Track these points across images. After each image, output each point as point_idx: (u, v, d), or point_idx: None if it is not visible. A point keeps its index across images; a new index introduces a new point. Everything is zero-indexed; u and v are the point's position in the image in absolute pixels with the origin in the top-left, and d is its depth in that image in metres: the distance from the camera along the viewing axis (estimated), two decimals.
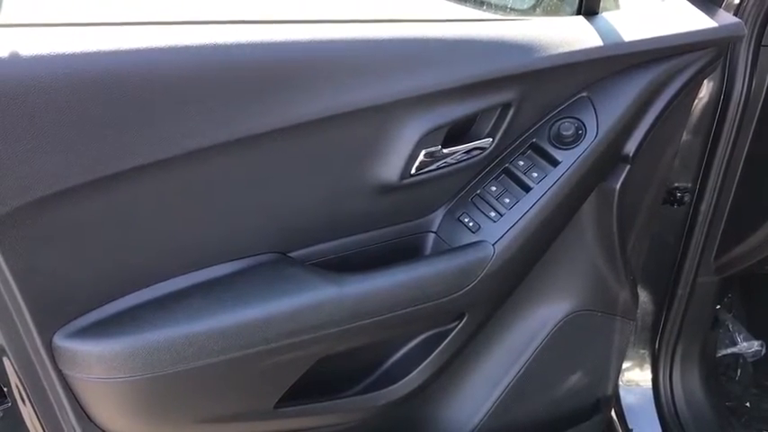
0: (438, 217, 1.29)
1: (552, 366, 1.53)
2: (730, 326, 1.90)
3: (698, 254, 1.71)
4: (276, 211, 1.11)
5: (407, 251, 1.27)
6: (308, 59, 1.00)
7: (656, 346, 1.83)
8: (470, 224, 1.25)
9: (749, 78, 1.50)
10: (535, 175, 1.25)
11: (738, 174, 1.63)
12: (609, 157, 1.29)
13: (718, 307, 1.89)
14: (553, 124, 1.27)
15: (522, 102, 1.21)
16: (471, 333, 1.34)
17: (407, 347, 1.35)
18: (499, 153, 1.28)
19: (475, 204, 1.27)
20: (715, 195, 1.64)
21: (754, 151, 1.59)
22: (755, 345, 1.86)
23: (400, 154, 1.13)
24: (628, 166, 1.32)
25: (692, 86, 1.35)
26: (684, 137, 1.56)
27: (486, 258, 1.21)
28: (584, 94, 1.28)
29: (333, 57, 1.02)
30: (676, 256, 1.74)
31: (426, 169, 1.17)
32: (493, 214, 1.25)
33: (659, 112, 1.30)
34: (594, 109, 1.27)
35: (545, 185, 1.24)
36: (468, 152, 1.22)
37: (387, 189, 1.17)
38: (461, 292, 1.22)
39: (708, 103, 1.56)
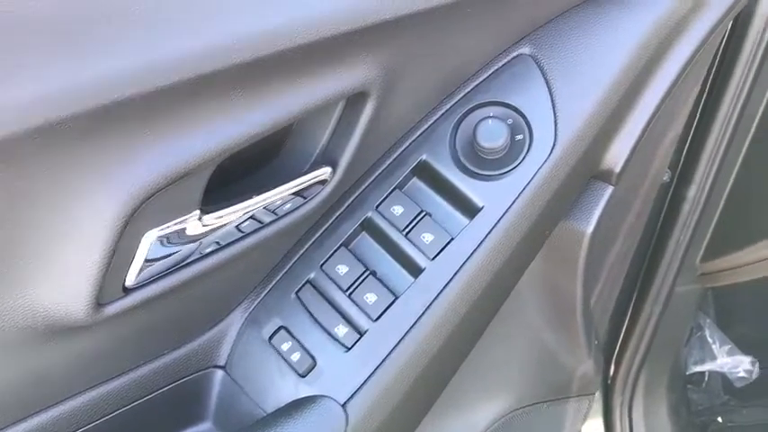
0: (228, 334, 0.62)
1: None
2: (708, 334, 1.36)
3: (679, 255, 1.13)
4: None
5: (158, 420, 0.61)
6: None
7: (610, 379, 1.28)
8: (294, 355, 0.60)
9: None
10: (430, 237, 0.60)
11: (748, 142, 1.03)
12: (576, 181, 0.65)
13: None
14: (460, 126, 0.62)
15: (390, 84, 0.55)
16: None
17: None
18: (351, 192, 0.62)
19: (304, 307, 0.61)
20: (710, 174, 1.04)
21: None
22: (746, 362, 1.32)
23: (78, 247, 0.45)
24: (610, 189, 0.69)
25: (723, 25, 0.71)
26: None
27: None
28: (523, 50, 0.63)
29: None
30: (646, 258, 1.15)
31: (162, 271, 0.51)
32: (342, 332, 0.60)
33: (673, 78, 0.66)
34: (548, 84, 0.61)
35: (452, 260, 0.60)
36: (284, 199, 0.56)
37: (66, 332, 0.50)
38: None
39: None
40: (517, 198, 0.60)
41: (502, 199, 0.60)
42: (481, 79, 0.63)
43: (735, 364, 1.34)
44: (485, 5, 0.59)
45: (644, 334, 1.22)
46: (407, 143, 0.63)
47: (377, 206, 0.62)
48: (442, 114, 0.63)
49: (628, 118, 0.66)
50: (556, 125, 0.61)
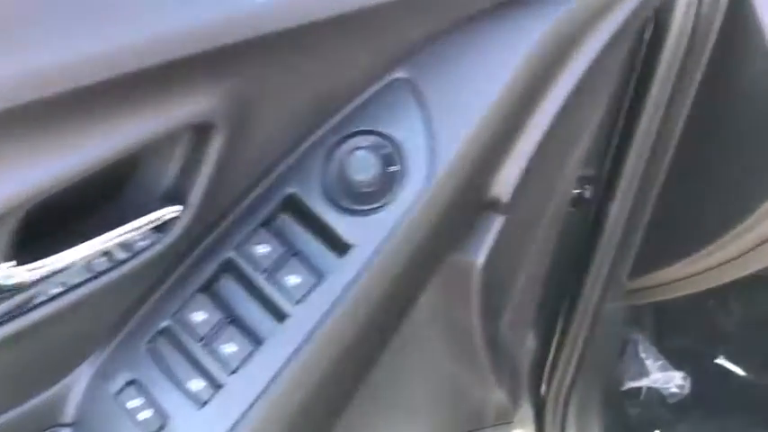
0: (74, 390, 0.57)
1: None
2: (641, 350, 1.33)
3: (604, 273, 1.10)
4: None
5: None
6: None
7: (541, 399, 1.24)
8: (144, 413, 0.54)
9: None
10: (296, 279, 0.55)
11: (670, 154, 1.00)
12: (459, 212, 0.61)
13: None
14: (331, 157, 0.57)
15: (244, 113, 0.51)
16: None
17: None
18: (211, 230, 0.57)
19: (156, 358, 0.56)
20: (632, 190, 1.00)
21: (700, 118, 0.96)
22: (677, 378, 1.30)
23: None
24: (501, 219, 0.64)
25: (624, 37, 0.68)
26: None
27: None
28: (399, 74, 0.58)
29: None
30: (572, 276, 1.12)
31: None
32: (197, 386, 0.54)
33: (565, 96, 0.62)
34: (424, 110, 0.57)
35: (319, 304, 0.55)
36: (129, 240, 0.51)
37: None
38: None
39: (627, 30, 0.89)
40: (391, 233, 0.56)
41: (374, 235, 0.55)
42: (354, 106, 0.58)
43: (667, 379, 1.31)
44: (354, 28, 0.54)
45: (573, 354, 1.18)
46: (274, 176, 0.58)
47: (239, 246, 0.57)
48: (312, 145, 0.58)
49: (516, 141, 0.62)
50: (432, 155, 0.56)
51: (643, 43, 0.89)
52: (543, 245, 0.85)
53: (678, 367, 1.33)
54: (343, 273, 0.55)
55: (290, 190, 0.57)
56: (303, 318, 0.54)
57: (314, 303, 0.55)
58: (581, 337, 1.17)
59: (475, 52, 0.58)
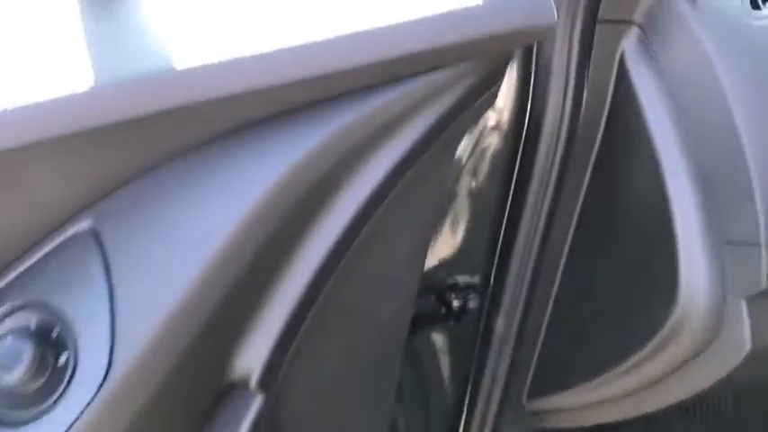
0: None
1: None
2: None
3: (498, 392, 0.95)
4: None
5: None
6: None
7: None
8: None
9: (576, 87, 0.71)
10: None
11: (559, 269, 0.86)
12: (179, 399, 0.48)
13: None
14: None
15: None
16: None
17: None
18: None
19: None
20: (520, 303, 0.87)
21: (593, 231, 0.82)
22: None
23: None
24: (258, 398, 0.51)
25: (441, 150, 0.56)
26: (463, 188, 0.82)
27: None
28: (82, 225, 0.46)
29: None
30: (466, 391, 0.98)
31: None
32: None
33: (337, 234, 0.50)
34: (109, 275, 0.44)
35: None
36: None
37: None
38: None
39: (502, 132, 0.77)
40: None
41: None
42: (19, 271, 0.45)
43: None
44: (17, 164, 0.42)
45: None
46: None
47: None
48: None
49: (258, 309, 0.48)
50: (113, 337, 0.43)
51: (519, 151, 0.76)
52: (384, 384, 0.71)
53: None
54: None
55: None
56: None
57: None
58: None
59: (192, 194, 0.45)
